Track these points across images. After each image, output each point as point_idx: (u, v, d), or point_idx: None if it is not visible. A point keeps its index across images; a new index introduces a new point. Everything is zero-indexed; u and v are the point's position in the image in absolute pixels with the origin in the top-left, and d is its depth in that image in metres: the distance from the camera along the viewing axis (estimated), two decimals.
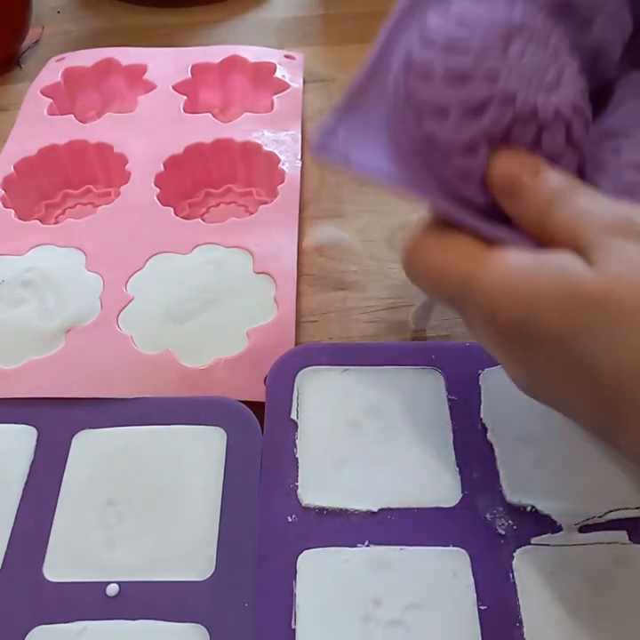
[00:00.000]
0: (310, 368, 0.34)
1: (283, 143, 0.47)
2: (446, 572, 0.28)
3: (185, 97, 0.51)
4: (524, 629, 0.27)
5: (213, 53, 0.54)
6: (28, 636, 0.27)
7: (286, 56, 0.54)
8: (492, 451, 0.31)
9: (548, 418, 0.30)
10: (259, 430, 0.33)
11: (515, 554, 0.28)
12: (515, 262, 0.23)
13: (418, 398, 0.33)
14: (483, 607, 0.27)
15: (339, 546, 0.29)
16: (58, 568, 0.29)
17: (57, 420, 0.34)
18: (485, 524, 0.29)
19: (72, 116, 0.50)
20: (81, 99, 0.54)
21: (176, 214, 0.44)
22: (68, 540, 0.30)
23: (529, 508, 0.29)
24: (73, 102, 0.53)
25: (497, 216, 0.24)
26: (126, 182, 0.45)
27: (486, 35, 0.23)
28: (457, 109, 0.23)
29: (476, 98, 0.23)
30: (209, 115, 0.50)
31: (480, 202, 0.25)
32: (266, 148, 0.46)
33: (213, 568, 0.29)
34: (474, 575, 0.28)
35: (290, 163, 0.45)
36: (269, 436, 0.32)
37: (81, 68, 0.54)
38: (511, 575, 0.28)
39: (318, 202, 0.45)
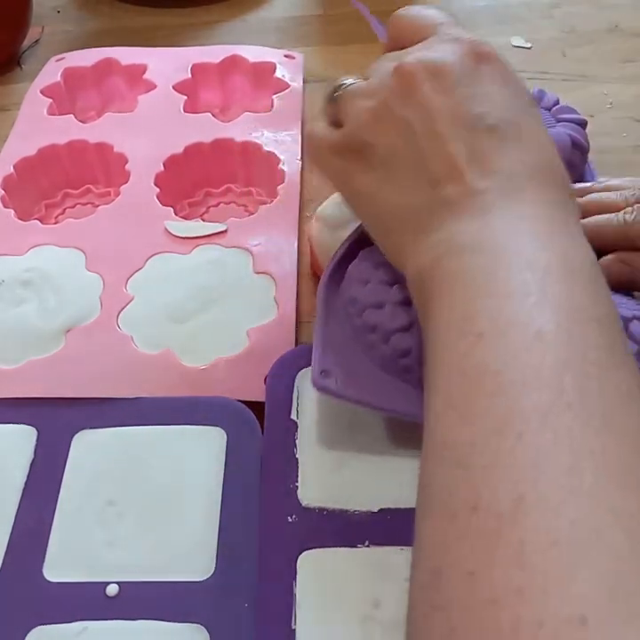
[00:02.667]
0: (310, 368, 0.34)
1: (283, 143, 0.47)
2: None
3: (185, 97, 0.51)
4: None
5: (213, 53, 0.54)
6: (28, 636, 0.27)
7: (286, 56, 0.54)
8: None
9: None
10: (259, 430, 0.33)
11: None
12: None
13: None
14: None
15: (339, 546, 0.29)
16: (58, 568, 0.29)
17: (57, 419, 0.34)
18: None
19: (72, 115, 0.50)
20: (81, 99, 0.54)
21: (176, 214, 0.44)
22: (67, 539, 0.30)
23: None
24: (73, 102, 0.53)
25: None
26: (126, 182, 0.45)
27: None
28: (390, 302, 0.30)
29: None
30: (209, 114, 0.50)
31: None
32: (266, 148, 0.46)
33: (213, 568, 0.29)
34: None
35: (290, 163, 0.45)
36: (269, 436, 0.32)
37: (81, 67, 0.54)
38: None
39: (318, 202, 0.45)
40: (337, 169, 0.30)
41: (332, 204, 0.41)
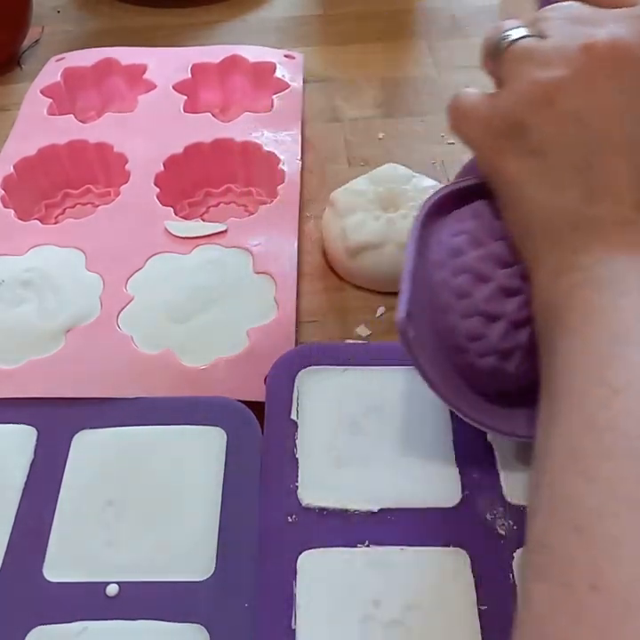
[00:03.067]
0: (310, 368, 0.34)
1: (283, 143, 0.47)
2: (446, 572, 0.28)
3: (185, 97, 0.51)
4: None
5: (213, 53, 0.54)
6: (28, 636, 0.27)
7: (286, 56, 0.54)
8: (492, 451, 0.31)
9: None
10: (259, 430, 0.33)
11: (515, 554, 0.28)
12: None
13: (418, 398, 0.33)
14: (483, 607, 0.27)
15: (339, 546, 0.29)
16: (58, 568, 0.29)
17: (57, 419, 0.34)
18: (485, 524, 0.29)
19: (72, 115, 0.50)
20: (81, 99, 0.54)
21: (176, 214, 0.44)
22: (67, 540, 0.30)
23: None
24: (73, 102, 0.53)
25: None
26: (126, 182, 0.45)
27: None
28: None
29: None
30: (209, 114, 0.50)
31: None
32: (266, 148, 0.46)
33: (213, 568, 0.29)
34: (474, 575, 0.28)
35: (290, 163, 0.45)
36: (269, 436, 0.32)
37: (81, 67, 0.54)
38: (511, 575, 0.28)
39: (318, 202, 0.45)
40: (486, 145, 0.26)
41: (344, 190, 0.42)
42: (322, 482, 0.31)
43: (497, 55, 0.26)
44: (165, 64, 0.54)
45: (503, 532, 0.29)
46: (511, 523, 0.29)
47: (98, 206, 0.45)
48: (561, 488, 0.19)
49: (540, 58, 0.24)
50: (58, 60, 0.55)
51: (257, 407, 0.33)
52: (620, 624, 0.16)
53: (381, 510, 0.30)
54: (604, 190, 0.23)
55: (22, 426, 0.34)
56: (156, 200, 0.44)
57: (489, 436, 0.31)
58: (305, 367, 0.34)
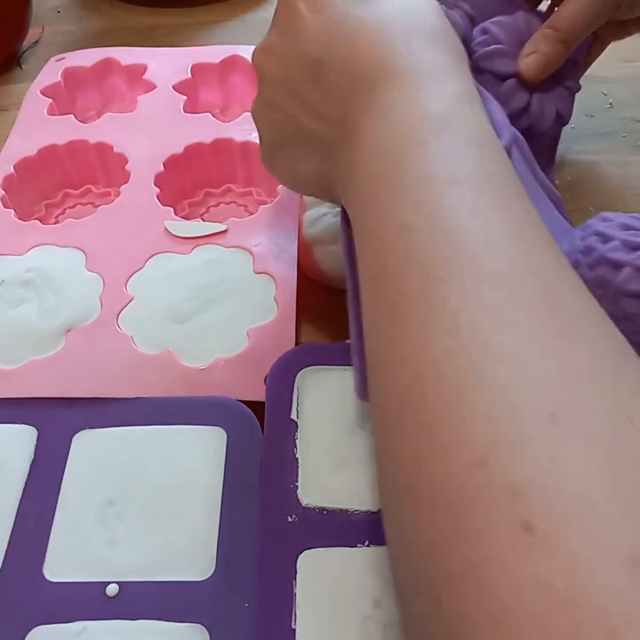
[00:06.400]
0: (310, 368, 0.34)
1: None
2: None
3: (185, 97, 0.51)
4: None
5: (213, 53, 0.54)
6: (28, 636, 0.27)
7: None
8: None
9: None
10: (259, 430, 0.33)
11: None
12: None
13: None
14: None
15: (339, 546, 0.29)
16: (58, 568, 0.29)
17: (57, 419, 0.34)
18: None
19: (72, 116, 0.50)
20: (81, 99, 0.54)
21: (176, 214, 0.43)
22: (68, 539, 0.30)
23: None
24: (73, 102, 0.53)
25: None
26: (126, 182, 0.45)
27: None
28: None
29: None
30: (209, 115, 0.50)
31: None
32: None
33: (213, 568, 0.29)
34: None
35: None
36: (269, 436, 0.32)
37: (81, 68, 0.54)
38: None
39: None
40: None
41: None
42: (322, 482, 0.31)
43: None
44: (165, 64, 0.54)
45: None
46: None
47: (98, 206, 0.45)
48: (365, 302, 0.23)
49: None
50: (58, 60, 0.55)
51: (257, 407, 0.33)
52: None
53: (381, 510, 0.30)
54: (319, 133, 0.28)
55: (22, 426, 0.34)
56: (156, 200, 0.44)
57: None
58: (305, 367, 0.34)
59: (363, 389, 0.27)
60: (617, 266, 0.32)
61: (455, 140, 0.22)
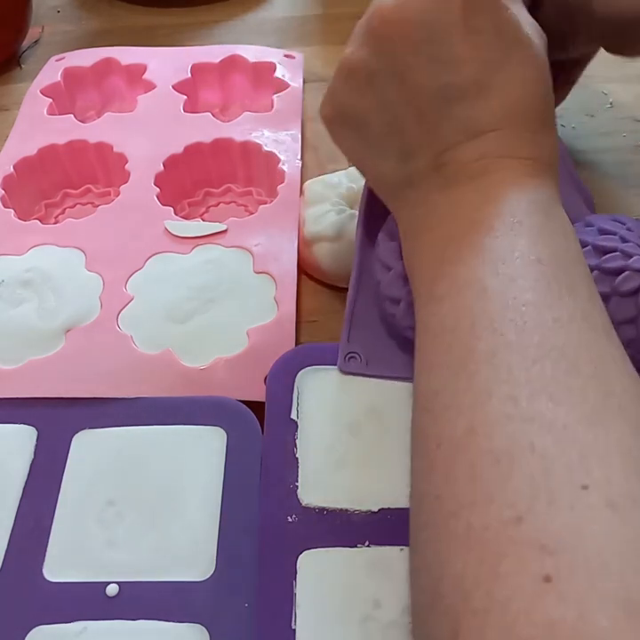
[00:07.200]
0: (310, 368, 0.34)
1: (283, 143, 0.47)
2: None
3: (185, 97, 0.51)
4: None
5: (213, 53, 0.54)
6: (28, 636, 0.27)
7: (286, 55, 0.54)
8: None
9: None
10: (259, 430, 0.33)
11: None
12: None
13: None
14: None
15: (339, 546, 0.29)
16: (58, 568, 0.29)
17: (57, 419, 0.34)
18: None
19: (72, 115, 0.50)
20: (81, 99, 0.54)
21: (176, 214, 0.43)
22: (68, 539, 0.30)
23: None
24: (73, 102, 0.53)
25: None
26: (126, 182, 0.45)
27: None
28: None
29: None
30: (209, 114, 0.50)
31: None
32: (266, 148, 0.46)
33: (213, 568, 0.29)
34: None
35: (290, 162, 0.45)
36: (269, 436, 0.32)
37: (81, 67, 0.54)
38: None
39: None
40: (332, 134, 0.31)
41: (318, 181, 0.42)
42: (322, 482, 0.31)
43: None
44: (165, 64, 0.53)
45: None
46: None
47: (98, 206, 0.45)
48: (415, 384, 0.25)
49: (351, 37, 0.28)
50: (58, 60, 0.55)
51: (257, 407, 0.33)
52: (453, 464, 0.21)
53: (381, 510, 0.30)
54: (410, 148, 0.27)
55: (22, 426, 0.34)
56: (156, 200, 0.44)
57: None
58: (305, 367, 0.34)
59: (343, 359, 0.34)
60: None
61: (549, 226, 0.24)
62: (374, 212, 0.35)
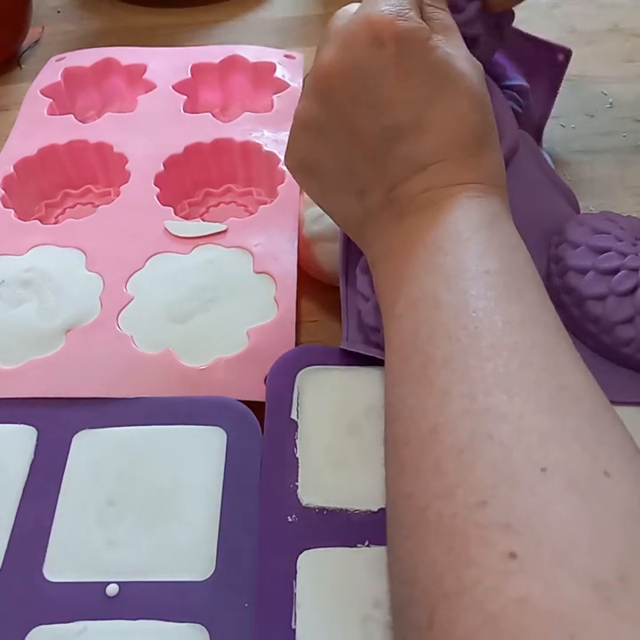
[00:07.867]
0: (310, 368, 0.34)
1: (283, 143, 0.46)
2: None
3: (185, 97, 0.51)
4: None
5: (213, 53, 0.54)
6: (28, 636, 0.27)
7: (286, 56, 0.54)
8: None
9: None
10: (259, 430, 0.33)
11: None
12: None
13: None
14: None
15: (339, 546, 0.29)
16: (58, 568, 0.29)
17: (57, 419, 0.34)
18: None
19: (72, 115, 0.50)
20: (81, 99, 0.54)
21: (176, 214, 0.44)
22: (68, 539, 0.30)
23: None
24: (73, 102, 0.53)
25: None
26: (126, 182, 0.45)
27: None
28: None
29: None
30: (209, 114, 0.50)
31: None
32: (266, 148, 0.46)
33: (213, 568, 0.29)
34: None
35: None
36: (269, 436, 0.32)
37: (81, 67, 0.54)
38: None
39: None
40: (297, 181, 0.33)
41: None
42: (322, 482, 0.31)
43: None
44: (165, 64, 0.54)
45: None
46: None
47: (98, 206, 0.45)
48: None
49: (302, 91, 0.30)
50: (58, 60, 0.55)
51: (257, 407, 0.33)
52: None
53: (381, 510, 0.30)
54: (365, 188, 0.29)
55: (22, 426, 0.34)
56: (156, 200, 0.44)
57: None
58: (305, 367, 0.34)
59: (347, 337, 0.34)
60: (582, 271, 0.32)
61: (495, 239, 0.26)
62: (351, 249, 0.35)
